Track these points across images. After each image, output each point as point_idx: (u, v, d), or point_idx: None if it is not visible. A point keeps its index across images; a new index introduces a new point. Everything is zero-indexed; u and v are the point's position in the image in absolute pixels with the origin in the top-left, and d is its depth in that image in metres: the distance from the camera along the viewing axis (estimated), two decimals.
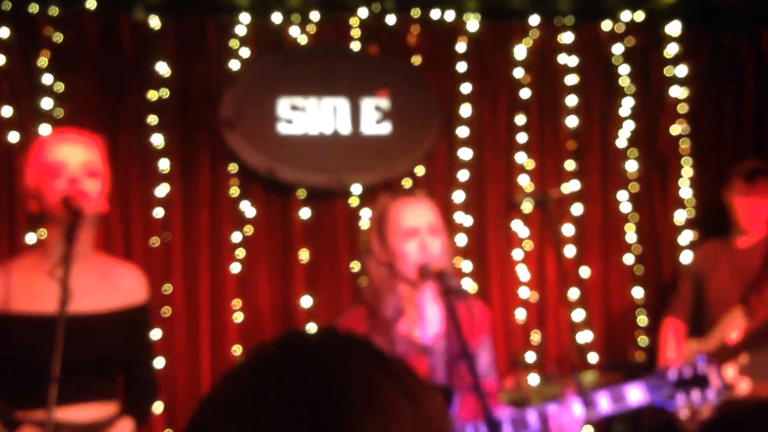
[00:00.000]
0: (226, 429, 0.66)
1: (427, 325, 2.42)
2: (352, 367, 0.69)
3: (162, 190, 3.58)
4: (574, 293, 3.87)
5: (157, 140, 3.59)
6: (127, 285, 2.31)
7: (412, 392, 0.70)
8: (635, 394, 2.32)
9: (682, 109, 4.05)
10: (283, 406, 0.65)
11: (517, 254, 3.88)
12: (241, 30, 3.67)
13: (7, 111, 3.44)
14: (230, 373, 0.73)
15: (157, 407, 3.44)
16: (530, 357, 3.79)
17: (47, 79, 3.48)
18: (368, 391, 0.67)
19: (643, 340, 3.95)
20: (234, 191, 3.66)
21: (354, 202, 3.74)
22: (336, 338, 0.73)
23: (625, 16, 4.00)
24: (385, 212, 2.43)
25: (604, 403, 2.29)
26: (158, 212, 3.57)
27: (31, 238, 3.35)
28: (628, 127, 4.01)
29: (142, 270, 2.40)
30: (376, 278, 2.43)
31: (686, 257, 3.90)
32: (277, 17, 3.71)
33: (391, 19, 3.80)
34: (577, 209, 3.94)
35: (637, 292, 3.98)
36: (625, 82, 4.01)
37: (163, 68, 3.59)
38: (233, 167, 3.66)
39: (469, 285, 3.75)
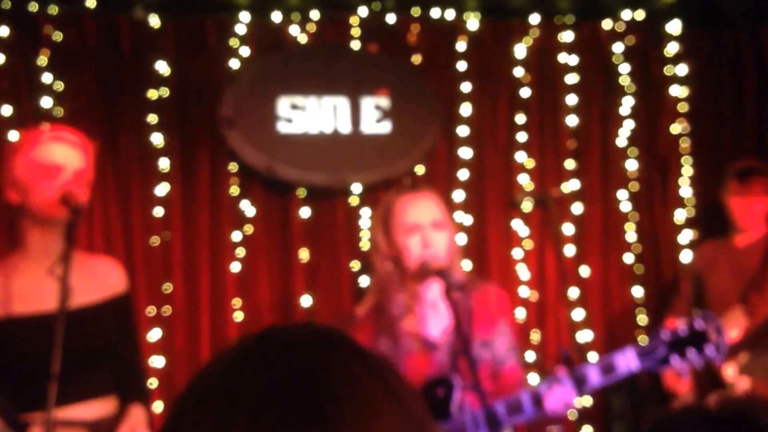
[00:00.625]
0: (205, 424, 0.65)
1: (436, 320, 2.43)
2: (333, 361, 0.68)
3: (162, 189, 3.58)
4: (573, 292, 3.86)
5: (157, 139, 3.58)
6: (109, 276, 2.35)
7: (394, 388, 0.69)
8: (626, 363, 2.26)
9: (683, 108, 4.05)
10: (263, 401, 0.64)
11: (517, 253, 3.88)
12: (241, 29, 3.67)
13: (7, 110, 3.44)
14: (208, 367, 0.71)
15: (157, 407, 3.44)
16: (530, 356, 3.79)
17: (47, 78, 3.47)
18: (349, 386, 0.66)
19: (643, 340, 3.94)
20: (234, 190, 3.65)
21: (354, 201, 3.74)
22: (317, 333, 0.72)
23: (626, 14, 3.99)
24: (389, 208, 2.45)
25: (595, 377, 2.27)
26: (158, 211, 3.57)
27: None
28: (628, 126, 4.01)
29: (119, 262, 2.45)
30: (382, 274, 2.45)
31: (686, 256, 3.90)
32: (277, 16, 3.70)
33: (391, 18, 3.80)
34: (577, 208, 3.94)
35: (637, 292, 3.97)
36: (625, 81, 4.00)
37: (162, 67, 3.59)
38: (233, 166, 3.66)
39: None
